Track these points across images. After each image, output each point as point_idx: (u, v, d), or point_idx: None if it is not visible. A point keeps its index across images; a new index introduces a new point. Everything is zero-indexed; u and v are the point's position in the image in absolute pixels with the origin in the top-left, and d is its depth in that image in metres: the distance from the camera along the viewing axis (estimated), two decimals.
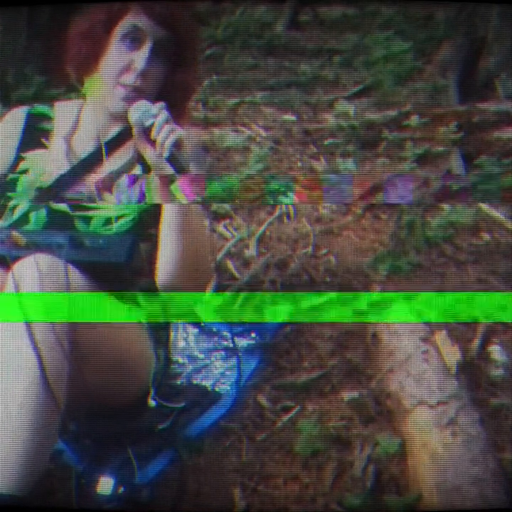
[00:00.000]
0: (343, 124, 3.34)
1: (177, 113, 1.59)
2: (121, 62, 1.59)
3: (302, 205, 2.76)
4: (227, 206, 2.72)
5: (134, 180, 1.64)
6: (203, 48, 4.42)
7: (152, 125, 1.49)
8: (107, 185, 1.66)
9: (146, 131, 1.50)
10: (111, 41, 1.60)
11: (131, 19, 1.59)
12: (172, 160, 1.47)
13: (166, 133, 1.47)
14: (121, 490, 1.49)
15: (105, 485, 1.48)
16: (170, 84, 1.64)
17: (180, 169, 1.47)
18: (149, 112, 1.50)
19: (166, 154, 1.47)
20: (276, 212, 2.70)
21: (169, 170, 1.48)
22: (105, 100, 1.62)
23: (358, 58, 4.27)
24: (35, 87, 3.36)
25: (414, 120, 3.35)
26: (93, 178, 1.66)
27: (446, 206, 2.75)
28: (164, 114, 1.49)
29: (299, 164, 3.07)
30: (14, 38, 3.42)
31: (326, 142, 3.24)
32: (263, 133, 3.32)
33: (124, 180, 1.66)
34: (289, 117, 3.51)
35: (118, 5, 1.60)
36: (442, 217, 2.66)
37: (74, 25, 1.63)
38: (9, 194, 1.66)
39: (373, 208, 2.76)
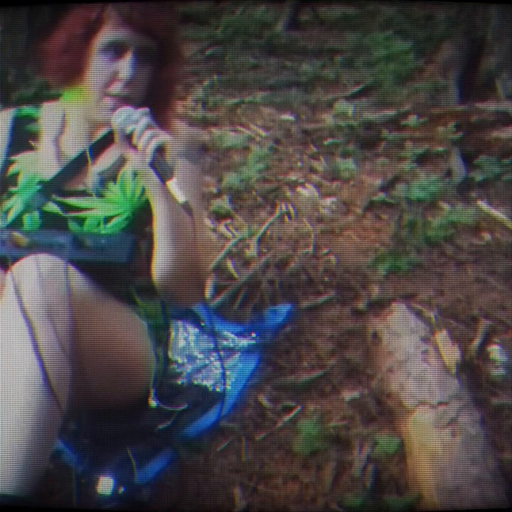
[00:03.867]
0: (342, 124, 3.34)
1: (162, 110, 1.58)
2: (106, 73, 1.56)
3: (303, 205, 2.76)
4: (227, 206, 2.72)
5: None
6: (203, 47, 4.44)
7: (133, 131, 1.48)
8: (112, 174, 1.66)
9: (128, 138, 1.49)
10: (91, 54, 1.57)
11: (110, 32, 1.56)
12: (155, 165, 1.45)
13: (147, 138, 1.45)
14: (121, 490, 1.49)
15: (105, 485, 1.48)
16: (154, 84, 1.63)
17: (163, 175, 1.45)
18: (130, 118, 1.48)
19: (148, 160, 1.46)
20: (277, 212, 2.70)
21: (153, 175, 1.47)
22: (92, 111, 1.61)
23: (358, 58, 4.28)
24: (35, 87, 3.36)
25: (412, 120, 3.35)
26: (94, 170, 1.65)
27: (446, 206, 2.76)
28: (145, 120, 1.47)
29: (299, 164, 3.07)
30: (14, 38, 3.43)
31: (325, 142, 3.24)
32: (263, 133, 3.32)
33: (129, 170, 1.65)
34: (289, 117, 3.51)
35: (94, 17, 1.58)
36: (443, 217, 2.65)
37: (51, 39, 1.61)
38: (11, 190, 1.66)
39: (374, 207, 2.76)
